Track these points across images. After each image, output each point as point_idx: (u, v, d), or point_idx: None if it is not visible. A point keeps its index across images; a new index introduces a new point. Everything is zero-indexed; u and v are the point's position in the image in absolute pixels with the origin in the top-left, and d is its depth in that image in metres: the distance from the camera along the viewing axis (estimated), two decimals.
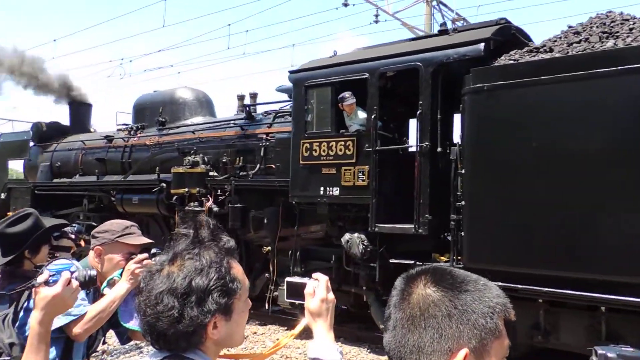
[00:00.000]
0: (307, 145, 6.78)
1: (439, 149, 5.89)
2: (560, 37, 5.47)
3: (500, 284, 5.10)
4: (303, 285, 1.57)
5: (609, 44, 4.81)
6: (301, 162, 6.83)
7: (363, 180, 6.28)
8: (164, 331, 1.21)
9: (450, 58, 5.70)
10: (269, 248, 7.80)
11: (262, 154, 7.95)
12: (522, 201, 5.10)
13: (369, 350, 6.64)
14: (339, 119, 6.65)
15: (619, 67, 4.48)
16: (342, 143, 6.46)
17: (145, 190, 9.47)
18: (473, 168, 5.40)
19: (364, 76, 6.32)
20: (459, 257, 5.59)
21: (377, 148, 6.21)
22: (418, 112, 5.87)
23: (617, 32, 4.98)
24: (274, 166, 7.86)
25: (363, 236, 6.33)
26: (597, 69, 4.63)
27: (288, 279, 6.84)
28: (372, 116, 6.19)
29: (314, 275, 1.56)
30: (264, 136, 8.07)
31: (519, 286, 5.11)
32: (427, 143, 5.81)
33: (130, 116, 11.40)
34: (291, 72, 7.14)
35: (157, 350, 1.26)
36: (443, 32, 6.29)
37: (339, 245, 6.87)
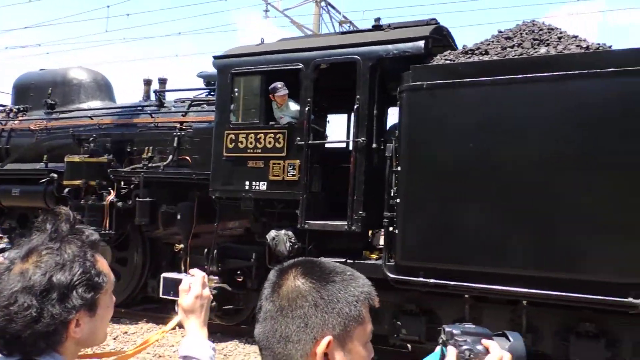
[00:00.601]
0: (232, 136, 6.33)
1: (374, 145, 5.81)
2: (492, 41, 5.66)
3: (432, 280, 5.14)
4: (178, 281, 1.53)
5: (542, 50, 5.04)
6: (225, 154, 6.37)
7: (293, 175, 6.00)
8: (18, 333, 1.13)
9: (390, 53, 5.64)
10: (182, 246, 7.20)
11: (175, 144, 7.33)
12: (456, 200, 5.17)
13: (245, 344, 6.58)
14: (268, 110, 6.30)
15: (555, 73, 4.70)
16: (272, 135, 6.12)
17: (29, 181, 8.30)
18: (409, 166, 5.37)
19: (298, 67, 6.04)
20: (391, 255, 5.55)
21: (310, 142, 5.97)
22: (355, 107, 5.74)
23: (548, 39, 5.24)
24: (188, 158, 7.28)
25: (290, 233, 6.05)
26: (534, 73, 4.83)
27: (164, 274, 6.33)
28: (306, 108, 5.94)
29: (191, 270, 1.54)
30: (178, 125, 7.46)
31: (451, 282, 5.18)
32: (363, 139, 5.69)
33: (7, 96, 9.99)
34: (216, 57, 6.64)
35: (4, 356, 1.18)
36: (377, 27, 6.22)
37: (262, 242, 6.53)
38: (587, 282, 4.70)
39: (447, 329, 1.16)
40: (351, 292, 1.08)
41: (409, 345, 5.86)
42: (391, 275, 5.46)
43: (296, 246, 6.04)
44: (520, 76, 4.86)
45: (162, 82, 8.43)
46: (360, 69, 5.72)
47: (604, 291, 4.65)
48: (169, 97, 8.32)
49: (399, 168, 5.44)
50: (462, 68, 5.22)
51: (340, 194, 6.60)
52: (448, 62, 5.56)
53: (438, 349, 1.20)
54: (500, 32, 5.82)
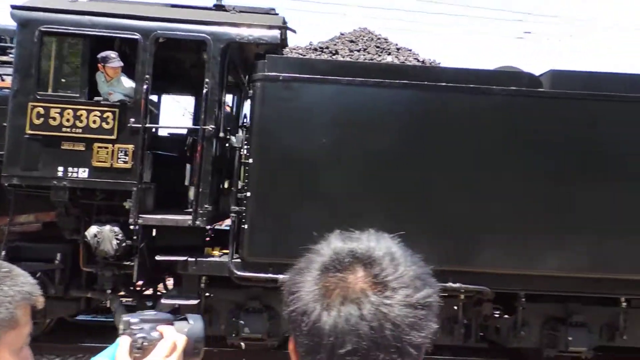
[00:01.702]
0: (41, 110, 5.13)
1: (220, 134, 5.43)
2: (338, 42, 5.86)
3: (282, 276, 5.15)
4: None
5: (389, 58, 5.45)
6: (29, 131, 5.12)
7: (125, 162, 5.19)
8: None
9: (245, 38, 5.32)
10: None
11: None
12: (307, 195, 5.22)
13: None
14: (92, 83, 5.30)
15: (406, 81, 5.13)
16: (98, 114, 5.17)
17: None
18: (261, 158, 5.20)
19: (135, 37, 5.23)
20: (238, 251, 5.29)
21: (147, 125, 5.25)
22: (204, 92, 5.25)
23: (388, 48, 5.68)
24: None
25: (117, 229, 5.23)
26: (383, 79, 5.17)
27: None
28: (144, 87, 5.19)
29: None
30: None
31: None
32: (212, 126, 5.26)
33: None
34: (16, 7, 5.26)
35: None
36: (220, 7, 5.80)
37: (71, 240, 5.52)
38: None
39: (124, 318, 1.09)
40: (4, 292, 1.01)
41: (242, 344, 5.67)
42: (238, 273, 5.21)
43: (124, 244, 5.26)
44: (373, 80, 5.15)
45: None
46: (211, 50, 5.26)
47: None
48: None
49: (250, 160, 5.21)
50: (321, 65, 5.27)
51: (170, 185, 6.03)
52: (300, 56, 5.55)
53: (117, 340, 1.08)
54: (342, 34, 6.08)
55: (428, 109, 5.26)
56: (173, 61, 6.16)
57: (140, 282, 5.81)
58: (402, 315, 0.73)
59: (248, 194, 5.19)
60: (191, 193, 5.44)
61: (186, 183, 7.16)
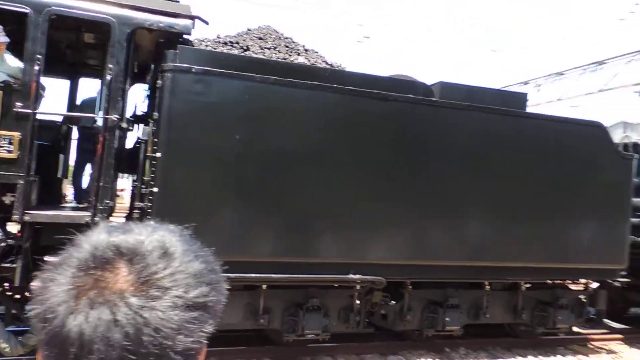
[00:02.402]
0: None
1: (123, 125, 5.07)
2: (245, 38, 5.81)
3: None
4: None
5: (300, 59, 5.57)
6: None
7: (10, 152, 4.58)
8: None
9: (154, 25, 5.01)
10: None
11: None
12: (218, 190, 5.16)
13: None
14: None
15: (317, 83, 5.31)
16: None
17: None
18: (171, 152, 4.99)
19: (25, 10, 4.60)
20: None
21: (37, 111, 4.68)
22: (108, 78, 4.84)
23: (298, 49, 5.81)
24: None
25: None
26: (296, 78, 5.30)
27: None
28: (35, 67, 4.61)
29: None
30: None
31: None
32: (116, 116, 4.88)
33: None
34: None
35: None
36: None
37: None
38: (317, 264, 5.56)
39: None
40: None
41: None
42: None
43: (3, 243, 4.66)
44: (286, 79, 5.25)
45: None
46: (116, 35, 4.86)
47: (330, 270, 5.61)
48: None
49: (158, 154, 4.96)
50: (234, 60, 5.20)
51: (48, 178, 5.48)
52: (211, 49, 5.40)
53: None
54: (249, 30, 6.03)
55: (336, 110, 5.51)
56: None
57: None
58: (167, 319, 0.64)
59: (155, 189, 4.94)
60: (65, 186, 5.01)
61: (59, 175, 6.55)
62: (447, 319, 6.31)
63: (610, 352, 7.50)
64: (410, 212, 5.83)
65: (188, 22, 5.14)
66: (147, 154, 5.04)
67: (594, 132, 6.78)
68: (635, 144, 8.02)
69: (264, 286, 5.60)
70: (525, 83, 23.02)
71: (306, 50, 5.89)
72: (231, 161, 5.17)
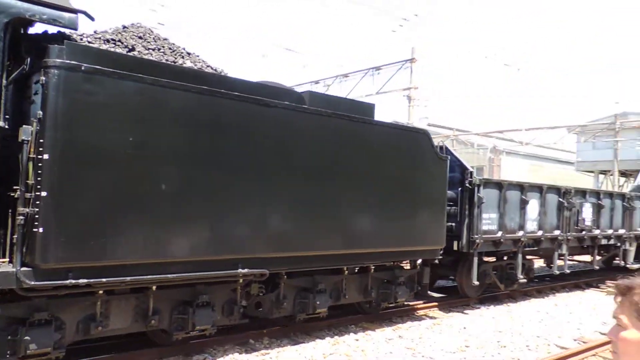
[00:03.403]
0: None
1: (0, 124, 4.61)
2: (125, 37, 5.70)
3: (85, 280, 5.01)
4: None
5: (188, 63, 5.72)
6: None
7: None
8: None
9: (36, 16, 4.65)
10: None
11: None
12: (114, 193, 5.05)
13: None
14: None
15: (206, 87, 5.53)
16: None
17: None
18: (60, 154, 4.72)
19: None
20: (27, 259, 4.65)
21: None
22: None
23: (182, 52, 5.93)
24: None
25: None
26: (185, 82, 5.45)
27: None
28: None
29: None
30: None
31: (104, 280, 5.04)
32: None
33: None
34: None
35: None
36: None
37: None
38: (206, 262, 5.79)
39: None
40: None
41: None
42: (31, 283, 4.60)
43: None
44: (177, 82, 5.36)
45: None
46: None
47: (219, 267, 5.90)
48: None
49: (44, 156, 4.66)
50: (125, 59, 5.12)
51: None
52: (94, 46, 5.21)
53: None
54: (125, 27, 5.91)
55: (224, 114, 5.79)
56: None
57: None
58: None
59: (43, 193, 4.63)
60: None
61: None
62: (317, 302, 7.07)
63: (432, 318, 9.17)
64: (288, 209, 6.42)
65: (74, 16, 4.90)
66: (30, 156, 4.67)
67: (421, 137, 8.25)
68: (441, 147, 9.89)
69: (154, 287, 5.61)
70: (316, 82, 25.35)
71: (188, 53, 6.01)
72: (123, 162, 5.09)
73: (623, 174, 36.90)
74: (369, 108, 7.68)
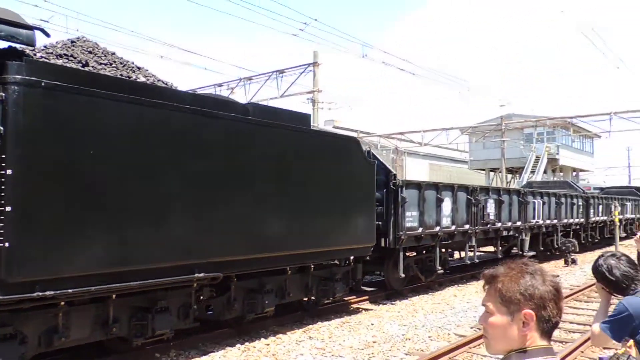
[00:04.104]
0: None
1: None
2: (76, 52, 5.81)
3: (52, 292, 5.20)
4: None
5: (142, 78, 5.94)
6: None
7: None
8: None
9: None
10: None
11: None
12: (80, 206, 5.18)
13: None
14: None
15: (160, 101, 5.80)
16: None
17: None
18: (25, 169, 4.80)
19: None
20: None
21: None
22: None
23: (132, 67, 6.13)
24: None
25: None
26: (140, 96, 5.68)
27: None
28: None
29: None
30: None
31: (70, 290, 5.15)
32: None
33: None
34: None
35: None
36: None
37: None
38: (165, 268, 6.04)
39: None
40: None
41: None
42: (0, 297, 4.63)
43: None
44: (133, 97, 5.59)
45: None
46: None
47: (176, 272, 6.16)
48: None
49: (7, 172, 4.71)
50: (84, 75, 5.26)
51: None
52: (53, 62, 5.30)
53: None
54: (73, 42, 6.00)
55: (178, 126, 6.07)
56: None
57: None
58: None
59: (7, 208, 4.68)
60: None
61: None
62: (265, 302, 7.49)
63: (367, 310, 9.91)
64: (238, 215, 6.80)
65: (32, 34, 4.99)
66: None
67: (352, 144, 8.98)
68: (368, 152, 10.71)
69: (114, 296, 5.75)
70: (220, 85, 25.25)
71: (138, 67, 6.20)
72: (85, 176, 5.24)
73: (510, 171, 40.73)
74: (305, 118, 8.25)
